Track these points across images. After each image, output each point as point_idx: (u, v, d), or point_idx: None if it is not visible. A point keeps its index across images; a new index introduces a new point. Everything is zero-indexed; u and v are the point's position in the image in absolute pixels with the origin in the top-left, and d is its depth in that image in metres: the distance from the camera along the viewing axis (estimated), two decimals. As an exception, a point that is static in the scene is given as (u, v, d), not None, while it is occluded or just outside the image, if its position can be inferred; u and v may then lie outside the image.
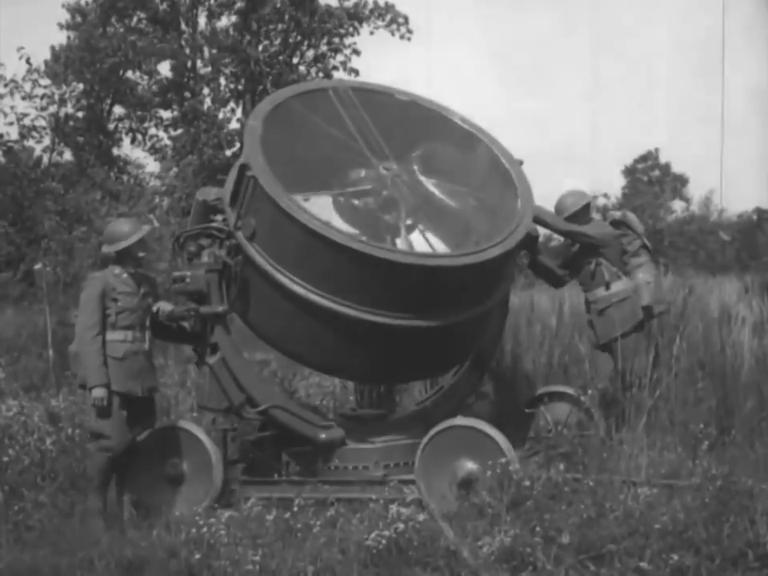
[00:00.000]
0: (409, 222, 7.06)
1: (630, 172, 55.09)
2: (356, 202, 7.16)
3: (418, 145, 7.31)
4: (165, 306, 6.76)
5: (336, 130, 7.02)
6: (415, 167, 7.26)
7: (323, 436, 6.69)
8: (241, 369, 6.81)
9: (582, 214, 7.44)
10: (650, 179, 54.95)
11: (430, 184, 7.25)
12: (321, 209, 6.92)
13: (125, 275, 6.61)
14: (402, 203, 7.00)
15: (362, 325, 6.38)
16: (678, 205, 54.12)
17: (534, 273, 7.69)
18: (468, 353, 7.23)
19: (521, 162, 7.06)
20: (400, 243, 6.91)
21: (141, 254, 6.68)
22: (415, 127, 7.25)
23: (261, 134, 6.74)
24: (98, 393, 6.37)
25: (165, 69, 31.56)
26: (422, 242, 6.94)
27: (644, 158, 55.16)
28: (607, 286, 7.29)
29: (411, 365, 6.91)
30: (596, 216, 7.68)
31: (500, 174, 7.04)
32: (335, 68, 32.19)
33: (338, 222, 7.03)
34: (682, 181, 54.67)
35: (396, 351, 6.61)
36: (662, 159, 54.98)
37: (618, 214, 7.70)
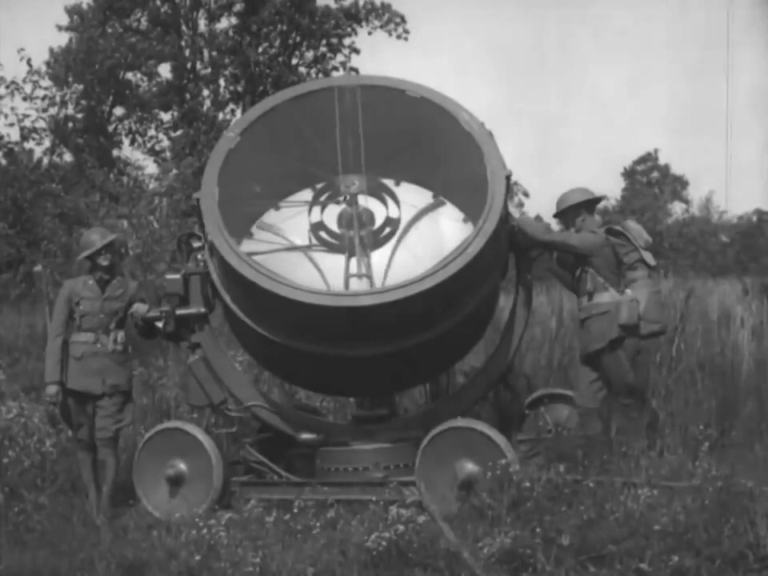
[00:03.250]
0: (366, 240, 7.08)
1: (629, 174, 55.15)
2: (316, 218, 7.21)
3: (407, 151, 7.25)
4: (140, 308, 7.04)
5: (318, 139, 7.07)
6: (389, 180, 7.28)
7: (302, 436, 6.80)
8: (224, 368, 7.00)
9: (577, 210, 7.04)
10: (650, 181, 54.99)
11: (394, 200, 7.23)
12: (274, 224, 7.35)
13: (90, 281, 7.07)
14: (357, 222, 7.04)
15: (288, 349, 6.57)
16: (677, 207, 54.22)
17: (553, 275, 7.52)
18: (429, 373, 7.28)
19: (508, 175, 6.73)
20: (355, 262, 6.98)
21: (104, 263, 7.03)
22: (413, 130, 7.17)
23: (231, 146, 6.92)
24: (49, 390, 6.96)
25: (165, 70, 31.66)
26: (379, 262, 7.04)
27: (643, 160, 55.21)
28: (590, 296, 6.90)
29: (355, 385, 7.06)
30: (597, 218, 7.38)
31: (477, 187, 6.81)
32: (335, 68, 32.25)
33: (300, 238, 7.24)
34: (681, 183, 54.73)
35: (331, 375, 6.81)
36: (662, 161, 55.07)
37: (622, 224, 7.15)
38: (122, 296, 7.07)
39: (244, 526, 5.93)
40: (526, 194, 41.59)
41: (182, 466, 6.67)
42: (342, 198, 7.16)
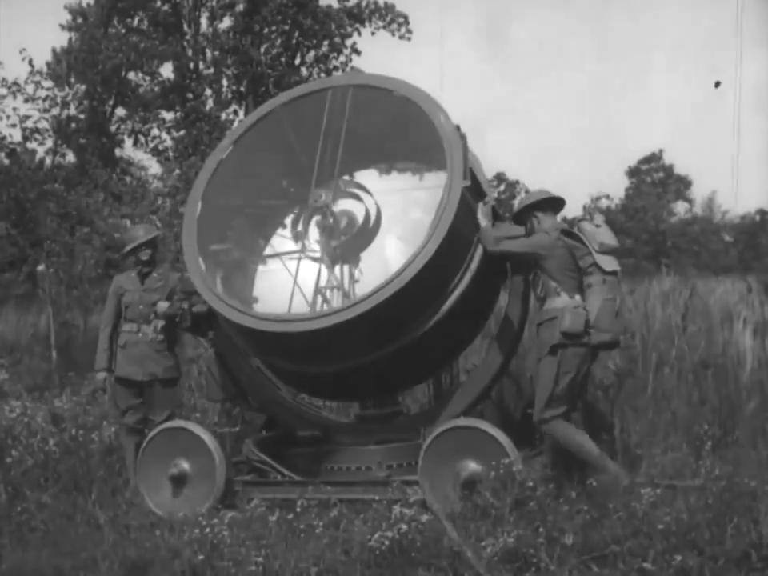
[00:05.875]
0: (338, 250, 7.08)
1: (633, 173, 55.19)
2: (300, 228, 7.31)
3: (382, 155, 7.32)
4: (162, 305, 7.41)
5: (300, 146, 7.16)
6: (359, 188, 7.29)
7: (300, 433, 7.00)
8: (236, 364, 7.17)
9: (529, 212, 6.63)
10: (654, 180, 55.03)
11: (361, 212, 7.21)
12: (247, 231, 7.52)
13: (133, 274, 7.62)
14: (325, 233, 7.06)
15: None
16: (681, 206, 54.26)
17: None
18: (401, 381, 7.21)
19: (466, 184, 6.43)
20: (324, 276, 7.01)
21: (144, 257, 7.56)
22: (390, 133, 7.14)
23: (222, 157, 7.14)
24: (97, 376, 7.57)
25: (167, 70, 31.67)
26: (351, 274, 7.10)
27: (648, 160, 55.28)
28: (542, 302, 6.43)
29: (329, 394, 7.50)
30: (597, 217, 7.17)
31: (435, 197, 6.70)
32: (336, 68, 32.23)
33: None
34: (685, 182, 54.78)
35: (302, 383, 7.17)
36: (666, 161, 55.11)
37: (576, 224, 6.57)
38: (162, 288, 7.52)
39: (247, 525, 5.94)
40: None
41: (186, 466, 6.69)
42: (310, 213, 7.18)
